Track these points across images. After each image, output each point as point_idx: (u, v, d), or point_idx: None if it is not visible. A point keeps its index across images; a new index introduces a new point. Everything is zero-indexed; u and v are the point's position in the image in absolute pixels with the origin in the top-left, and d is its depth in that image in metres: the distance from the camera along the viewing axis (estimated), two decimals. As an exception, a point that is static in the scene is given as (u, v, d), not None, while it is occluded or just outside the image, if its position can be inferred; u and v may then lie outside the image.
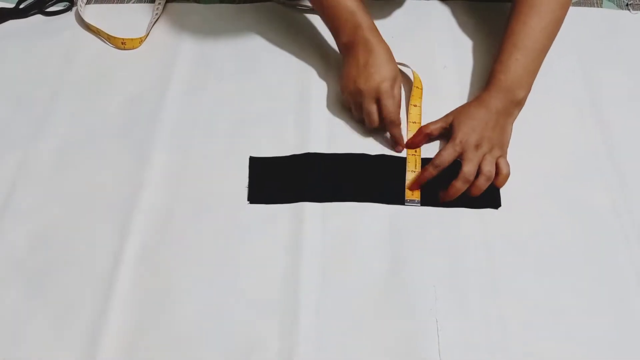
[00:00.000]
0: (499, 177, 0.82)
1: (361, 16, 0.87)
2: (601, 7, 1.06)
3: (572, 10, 1.03)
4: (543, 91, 0.93)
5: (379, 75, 0.84)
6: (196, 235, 0.80)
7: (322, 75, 0.96)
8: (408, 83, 0.93)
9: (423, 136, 0.87)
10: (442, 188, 0.82)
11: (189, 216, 0.81)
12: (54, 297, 0.75)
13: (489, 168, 0.81)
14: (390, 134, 0.87)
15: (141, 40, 1.01)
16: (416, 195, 0.83)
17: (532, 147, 0.87)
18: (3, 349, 0.71)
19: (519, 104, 0.87)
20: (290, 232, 0.80)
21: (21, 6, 1.07)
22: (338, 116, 0.91)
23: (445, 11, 1.05)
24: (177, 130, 0.90)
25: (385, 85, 0.84)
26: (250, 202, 0.82)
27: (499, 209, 0.82)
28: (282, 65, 0.98)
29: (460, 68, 0.96)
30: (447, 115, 0.87)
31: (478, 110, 0.85)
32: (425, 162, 0.85)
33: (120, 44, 1.00)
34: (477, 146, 0.82)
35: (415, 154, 0.87)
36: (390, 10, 1.04)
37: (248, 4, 1.07)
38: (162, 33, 1.03)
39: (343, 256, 0.78)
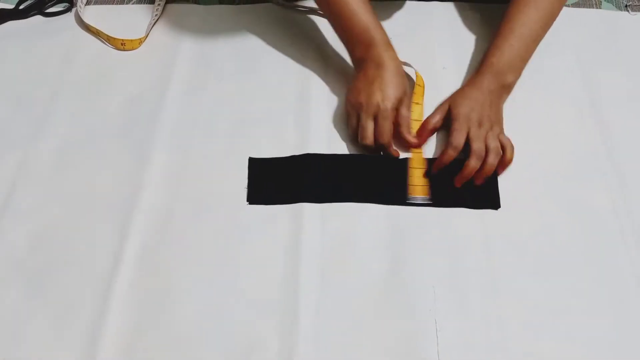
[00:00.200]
0: (506, 152, 0.83)
1: (375, 32, 0.87)
2: (600, 8, 1.06)
3: (571, 11, 1.04)
4: (542, 92, 0.93)
5: (382, 94, 0.84)
6: (196, 235, 0.80)
7: (321, 75, 0.96)
8: (411, 82, 0.93)
9: (428, 132, 0.87)
10: (445, 186, 0.83)
11: (189, 216, 0.81)
12: (54, 297, 0.75)
13: (495, 144, 0.83)
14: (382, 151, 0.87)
15: (141, 41, 1.01)
16: (424, 191, 0.83)
17: (532, 148, 0.87)
18: (3, 349, 0.71)
19: (508, 87, 0.89)
20: (290, 233, 0.80)
21: (21, 7, 1.07)
22: (338, 117, 0.91)
23: (445, 12, 1.05)
24: (177, 131, 0.90)
25: (385, 105, 0.84)
26: (250, 203, 0.82)
27: (499, 209, 0.82)
28: (281, 66, 0.98)
29: (460, 69, 0.97)
30: (442, 105, 0.89)
31: (472, 91, 0.87)
32: (431, 161, 0.85)
33: (120, 44, 1.00)
34: (480, 124, 0.84)
35: (418, 151, 0.87)
36: (391, 11, 1.04)
37: (247, 5, 1.07)
38: (162, 34, 1.03)
39: (342, 256, 0.78)
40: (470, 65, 0.97)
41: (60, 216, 0.82)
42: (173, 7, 1.07)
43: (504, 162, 0.83)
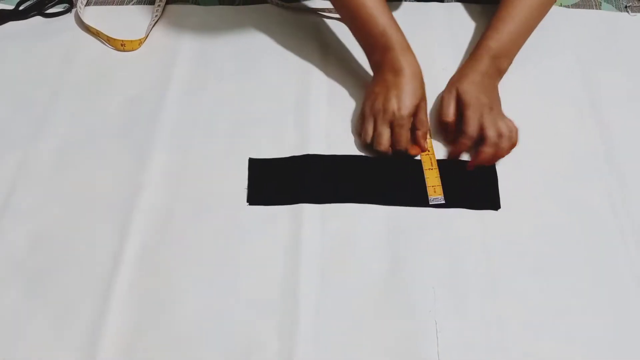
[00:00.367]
0: (512, 136, 0.84)
1: (392, 35, 0.86)
2: (600, 9, 1.06)
3: (571, 12, 1.04)
4: (542, 92, 0.93)
5: (399, 101, 0.84)
6: (196, 235, 0.80)
7: (321, 76, 0.96)
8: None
9: (452, 126, 0.87)
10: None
11: (189, 216, 0.81)
12: (54, 297, 0.75)
13: (504, 129, 0.83)
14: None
15: (141, 42, 1.01)
16: (440, 192, 0.83)
17: (532, 149, 0.87)
18: (3, 349, 0.71)
19: (502, 72, 0.90)
20: (290, 233, 0.80)
21: (21, 8, 1.07)
22: (337, 117, 0.91)
23: (444, 13, 1.05)
24: (177, 131, 0.90)
25: (402, 113, 0.84)
26: (250, 204, 0.82)
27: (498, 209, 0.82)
28: (281, 66, 0.98)
29: (459, 70, 0.97)
30: (447, 93, 0.88)
31: (475, 75, 0.87)
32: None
33: (120, 45, 1.00)
34: (491, 109, 0.84)
35: (429, 152, 0.87)
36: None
37: (247, 6, 1.07)
38: (162, 35, 1.03)
39: (342, 257, 0.78)
40: (470, 66, 0.97)
41: (60, 216, 0.82)
42: (173, 8, 1.07)
43: (510, 146, 0.84)
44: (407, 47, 0.86)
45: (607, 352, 0.71)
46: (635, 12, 1.06)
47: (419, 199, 0.83)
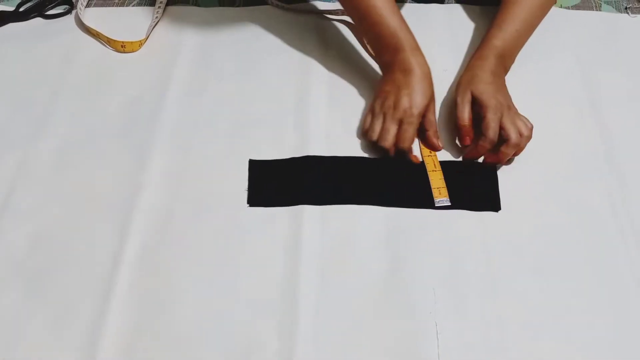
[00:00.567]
0: (530, 134, 0.84)
1: (403, 36, 0.86)
2: (600, 10, 1.07)
3: (572, 14, 1.04)
4: (543, 92, 0.93)
5: (410, 100, 0.84)
6: (196, 235, 0.80)
7: (321, 77, 0.96)
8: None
9: (469, 129, 0.86)
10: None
11: (189, 217, 0.81)
12: (53, 297, 0.75)
13: (524, 128, 0.83)
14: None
15: (141, 43, 1.01)
16: (445, 194, 0.83)
17: (532, 149, 0.86)
18: (3, 349, 0.71)
19: (507, 71, 0.91)
20: (290, 234, 0.80)
21: (21, 9, 1.07)
22: (337, 118, 0.91)
23: (444, 14, 1.05)
24: (177, 131, 0.90)
25: (412, 111, 0.84)
26: (250, 205, 0.82)
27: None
28: (281, 67, 0.98)
29: (460, 71, 0.97)
30: (462, 95, 0.87)
31: (486, 75, 0.86)
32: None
33: (120, 46, 1.00)
34: (509, 108, 0.84)
35: (432, 154, 0.86)
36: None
37: (247, 7, 1.07)
38: (162, 36, 1.03)
39: (342, 257, 0.78)
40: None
41: (60, 216, 0.82)
42: (173, 9, 1.08)
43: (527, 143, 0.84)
44: (417, 48, 0.87)
45: (607, 352, 0.71)
46: (635, 13, 1.06)
47: (423, 200, 0.82)
